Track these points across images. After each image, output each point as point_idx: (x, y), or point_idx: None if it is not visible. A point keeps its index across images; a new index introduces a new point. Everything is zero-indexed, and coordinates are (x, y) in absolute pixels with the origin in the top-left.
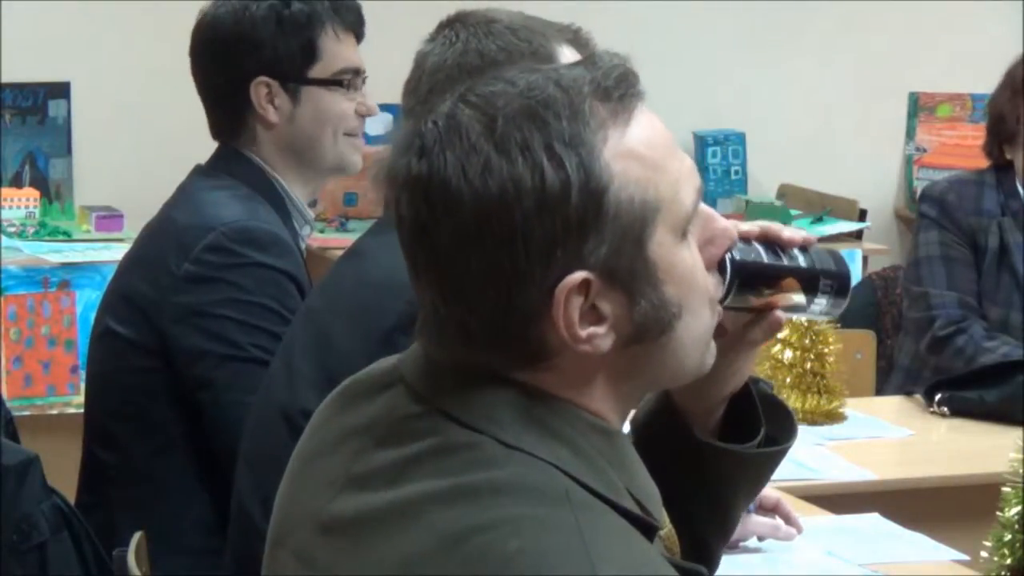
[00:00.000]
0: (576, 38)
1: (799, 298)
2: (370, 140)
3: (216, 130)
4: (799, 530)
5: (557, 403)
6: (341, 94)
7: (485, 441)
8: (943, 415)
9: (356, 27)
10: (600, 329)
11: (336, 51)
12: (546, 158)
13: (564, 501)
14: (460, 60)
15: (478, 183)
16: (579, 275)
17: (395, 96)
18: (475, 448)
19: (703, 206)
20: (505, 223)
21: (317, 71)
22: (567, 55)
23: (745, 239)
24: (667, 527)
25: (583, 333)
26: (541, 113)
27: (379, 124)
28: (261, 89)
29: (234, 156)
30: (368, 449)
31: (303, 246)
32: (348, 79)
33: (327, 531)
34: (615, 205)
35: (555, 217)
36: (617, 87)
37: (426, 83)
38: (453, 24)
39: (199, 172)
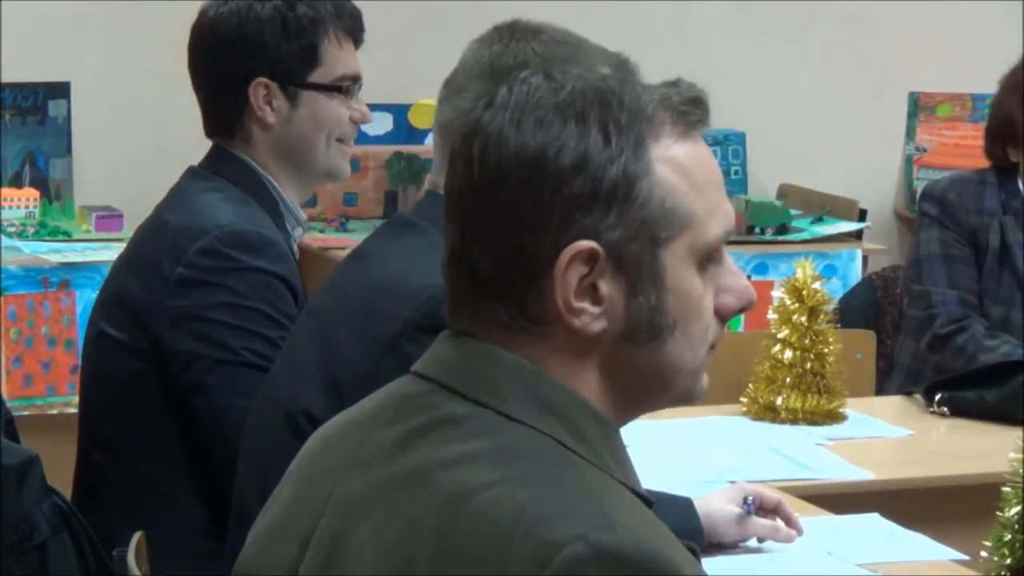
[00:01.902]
0: (620, 64)
1: None
2: (371, 140)
3: (210, 128)
4: (799, 532)
5: (556, 384)
6: (339, 100)
7: (487, 413)
8: (943, 415)
9: (356, 33)
10: (594, 309)
11: (337, 57)
12: (597, 131)
13: (570, 462)
14: (495, 59)
15: (528, 133)
16: (589, 243)
17: (390, 97)
18: (478, 419)
19: (732, 262)
20: (538, 171)
21: (318, 76)
22: None
23: None
24: None
25: (576, 304)
26: (607, 97)
27: (379, 124)
28: (260, 90)
29: (227, 157)
30: (374, 432)
31: (295, 247)
32: (347, 86)
33: (335, 514)
34: (645, 196)
35: (585, 182)
36: (685, 105)
37: (461, 76)
38: (504, 28)
39: (192, 174)
